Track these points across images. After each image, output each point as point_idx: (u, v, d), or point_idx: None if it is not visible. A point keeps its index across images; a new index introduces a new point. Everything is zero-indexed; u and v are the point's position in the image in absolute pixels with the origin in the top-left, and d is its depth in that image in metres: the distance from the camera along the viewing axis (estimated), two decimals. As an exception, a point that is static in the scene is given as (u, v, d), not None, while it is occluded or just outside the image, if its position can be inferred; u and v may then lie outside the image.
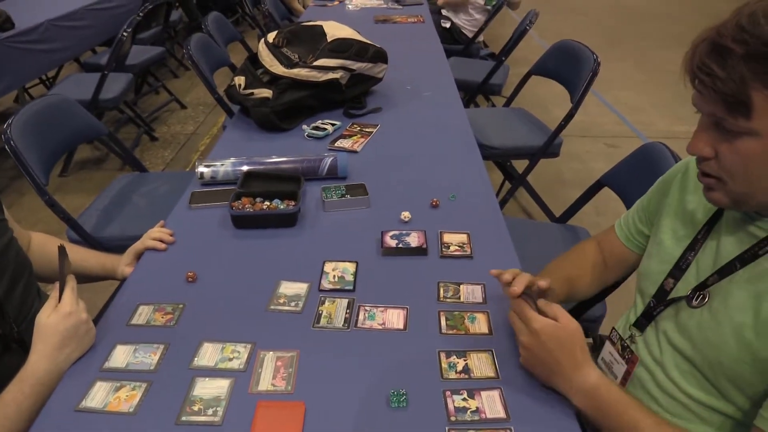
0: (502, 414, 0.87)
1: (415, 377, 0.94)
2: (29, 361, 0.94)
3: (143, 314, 1.09)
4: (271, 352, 0.99)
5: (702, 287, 0.91)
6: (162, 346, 1.01)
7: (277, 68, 1.90)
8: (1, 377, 1.00)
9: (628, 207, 1.61)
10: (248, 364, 0.97)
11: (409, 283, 1.17)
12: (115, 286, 1.36)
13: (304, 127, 1.87)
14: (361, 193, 1.46)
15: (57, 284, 0.99)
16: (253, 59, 2.03)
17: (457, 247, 1.27)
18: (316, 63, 1.89)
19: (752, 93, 0.74)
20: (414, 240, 1.28)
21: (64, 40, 3.51)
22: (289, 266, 1.22)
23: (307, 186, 1.49)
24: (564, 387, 0.90)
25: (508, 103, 3.04)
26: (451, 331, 1.04)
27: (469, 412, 0.88)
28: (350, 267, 1.21)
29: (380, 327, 1.05)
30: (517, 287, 0.95)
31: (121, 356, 0.98)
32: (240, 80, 1.96)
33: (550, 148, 2.49)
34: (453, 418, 0.87)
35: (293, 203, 1.38)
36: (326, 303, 1.11)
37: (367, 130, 1.87)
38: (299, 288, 1.15)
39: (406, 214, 1.37)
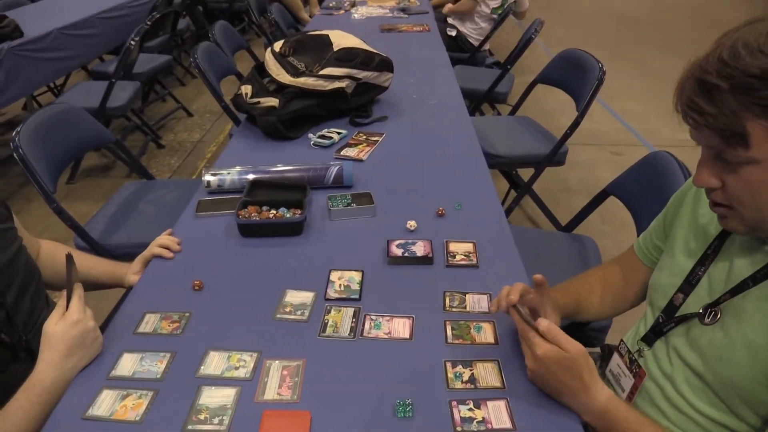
0: (508, 424, 0.87)
1: (421, 387, 0.94)
2: (36, 370, 0.94)
3: (150, 322, 1.09)
4: (277, 361, 0.99)
5: (714, 305, 0.91)
6: (168, 355, 1.01)
7: (284, 77, 1.91)
8: (9, 385, 1.00)
9: (634, 216, 1.62)
10: (254, 373, 0.97)
11: (415, 292, 1.17)
12: (122, 293, 1.36)
13: (310, 135, 1.88)
14: (367, 202, 1.46)
15: (64, 292, 0.99)
16: (260, 68, 2.04)
17: (462, 257, 1.27)
18: (322, 72, 1.90)
19: (746, 123, 0.74)
20: (420, 249, 1.29)
21: (73, 49, 3.54)
22: (295, 275, 1.22)
23: (313, 195, 1.50)
24: (572, 406, 0.90)
25: (513, 112, 3.05)
26: (457, 341, 1.04)
27: (475, 422, 0.87)
28: (356, 276, 1.21)
29: (386, 336, 1.05)
30: (514, 295, 0.96)
31: (127, 364, 0.99)
32: (246, 89, 1.97)
33: (555, 156, 2.49)
34: (459, 429, 0.86)
35: (299, 212, 1.39)
36: (332, 312, 1.11)
37: (372, 138, 1.87)
38: (305, 297, 1.15)
39: (411, 223, 1.37)
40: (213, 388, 0.94)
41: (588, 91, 2.31)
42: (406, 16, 3.91)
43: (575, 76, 2.48)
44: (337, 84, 1.93)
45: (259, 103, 1.90)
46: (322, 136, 1.86)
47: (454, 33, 4.23)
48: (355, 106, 2.04)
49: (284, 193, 1.48)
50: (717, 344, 0.88)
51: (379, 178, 1.62)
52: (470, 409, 0.90)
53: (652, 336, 1.02)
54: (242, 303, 1.15)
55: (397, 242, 1.31)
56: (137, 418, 0.89)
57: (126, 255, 1.85)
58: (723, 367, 0.87)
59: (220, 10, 6.51)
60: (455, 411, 0.89)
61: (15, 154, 1.65)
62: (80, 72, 4.79)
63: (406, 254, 1.27)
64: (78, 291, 1.00)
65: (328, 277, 1.21)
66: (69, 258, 1.01)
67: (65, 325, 0.95)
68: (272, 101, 1.88)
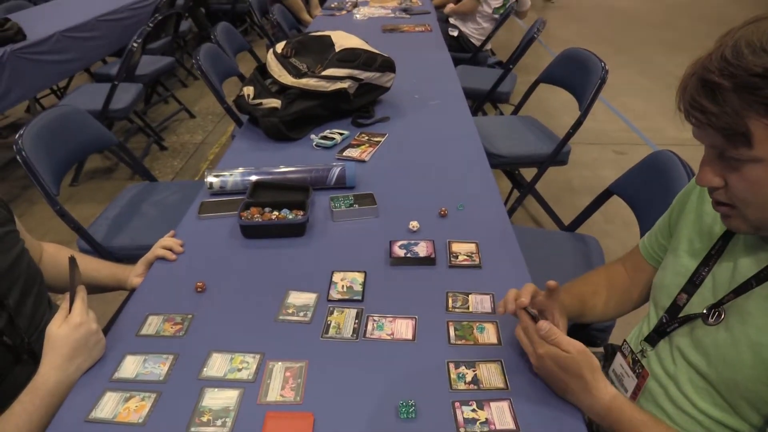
0: (511, 425, 0.87)
1: (424, 388, 0.94)
2: (39, 372, 0.94)
3: (153, 324, 1.09)
4: (279, 363, 0.99)
5: (718, 305, 0.90)
6: (171, 357, 1.01)
7: (286, 78, 1.91)
8: (12, 388, 1.01)
9: (637, 215, 1.61)
10: (257, 375, 0.97)
11: (418, 293, 1.17)
12: (125, 296, 1.37)
13: (313, 136, 1.88)
14: (370, 202, 1.46)
15: (67, 295, 1.00)
16: (262, 69, 2.05)
17: (465, 257, 1.27)
18: (324, 73, 1.90)
19: (749, 123, 0.73)
20: (422, 250, 1.28)
21: (75, 51, 3.55)
22: (298, 276, 1.22)
23: (316, 196, 1.50)
24: (578, 404, 0.90)
25: (516, 111, 3.04)
26: (459, 342, 1.04)
27: (478, 423, 0.87)
28: (359, 277, 1.21)
29: (389, 337, 1.05)
30: (525, 297, 0.96)
31: (130, 367, 0.99)
32: (249, 90, 1.97)
33: (558, 155, 2.49)
34: (462, 430, 0.86)
35: (302, 213, 1.39)
36: (335, 313, 1.11)
37: (375, 139, 1.87)
38: (308, 298, 1.15)
39: (414, 224, 1.37)
40: (216, 389, 0.94)
41: (591, 90, 2.30)
42: (408, 16, 3.91)
43: (578, 75, 2.47)
44: (339, 85, 1.93)
45: (261, 104, 1.90)
46: (325, 137, 1.86)
47: (456, 33, 4.22)
48: (358, 107, 2.04)
49: (287, 195, 1.48)
50: (721, 345, 0.88)
51: (382, 179, 1.62)
52: (473, 410, 0.89)
53: (655, 336, 1.02)
54: (245, 304, 1.15)
55: (400, 243, 1.31)
56: (140, 421, 0.89)
57: (129, 257, 1.86)
58: (727, 367, 0.87)
59: (222, 12, 6.52)
60: (458, 412, 0.89)
61: (18, 157, 1.65)
62: (83, 74, 4.80)
63: (408, 255, 1.27)
64: (81, 294, 1.00)
65: (331, 278, 1.21)
66: (72, 261, 1.01)
67: (68, 328, 0.95)
68: (274, 102, 1.88)
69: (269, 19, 4.29)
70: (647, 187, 1.57)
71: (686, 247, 1.01)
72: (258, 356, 1.01)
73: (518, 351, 1.01)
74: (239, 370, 0.98)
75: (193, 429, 0.87)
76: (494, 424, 0.87)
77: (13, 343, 1.04)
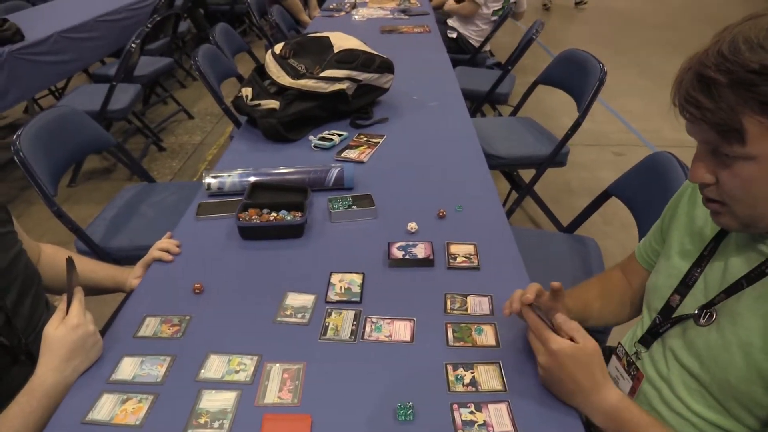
0: (509, 428, 0.87)
1: (422, 390, 0.94)
2: (36, 374, 0.94)
3: (150, 326, 1.09)
4: (277, 365, 0.99)
5: (709, 306, 0.90)
6: (169, 358, 1.01)
7: (284, 79, 1.90)
8: (9, 389, 1.00)
9: (636, 217, 1.61)
10: (255, 377, 0.96)
11: (416, 294, 1.17)
12: (123, 296, 1.36)
13: (311, 137, 1.88)
14: (368, 204, 1.46)
15: (64, 296, 0.99)
16: (260, 70, 2.04)
17: (464, 258, 1.27)
18: (322, 74, 1.90)
19: (743, 119, 0.73)
20: (421, 251, 1.28)
21: (74, 52, 3.55)
22: (296, 278, 1.22)
23: (314, 197, 1.49)
24: (583, 407, 0.89)
25: (514, 113, 3.05)
26: (458, 344, 1.04)
27: (476, 425, 0.87)
28: (357, 278, 1.21)
29: (387, 339, 1.05)
30: (530, 294, 0.95)
31: (127, 368, 0.98)
32: (247, 91, 1.97)
33: (557, 157, 2.49)
34: (460, 432, 0.86)
35: (300, 214, 1.38)
36: (333, 315, 1.11)
37: (373, 140, 1.87)
38: (306, 300, 1.15)
39: (412, 225, 1.36)
40: (213, 391, 0.94)
41: (589, 92, 2.31)
42: (407, 17, 3.91)
43: (576, 76, 2.47)
44: (338, 86, 1.93)
45: (259, 105, 1.90)
46: (323, 138, 1.85)
47: (454, 35, 4.22)
48: (356, 108, 2.04)
49: (285, 196, 1.47)
50: (712, 346, 0.88)
51: (380, 180, 1.61)
52: (471, 413, 0.89)
53: (649, 337, 1.02)
54: (243, 306, 1.14)
55: (398, 244, 1.30)
56: (137, 422, 0.88)
57: (127, 258, 1.86)
58: (719, 368, 0.87)
59: (220, 12, 6.52)
60: (456, 414, 0.89)
61: (16, 158, 1.65)
62: (81, 75, 4.79)
63: (406, 256, 1.27)
64: (78, 295, 0.99)
65: (329, 279, 1.21)
66: (69, 262, 1.01)
67: (65, 329, 0.95)
68: (273, 103, 1.87)
69: (268, 20, 4.29)
70: (646, 189, 1.57)
71: (678, 249, 1.01)
72: (256, 358, 1.00)
73: (517, 353, 1.01)
74: (237, 371, 0.98)
75: (190, 431, 0.87)
76: (492, 426, 0.87)
77: (10, 343, 1.03)
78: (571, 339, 0.89)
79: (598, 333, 1.48)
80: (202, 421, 0.88)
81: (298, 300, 1.15)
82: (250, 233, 1.36)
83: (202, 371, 0.98)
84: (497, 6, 4.11)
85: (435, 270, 1.24)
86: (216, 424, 0.88)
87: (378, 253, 1.29)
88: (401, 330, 1.07)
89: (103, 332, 1.06)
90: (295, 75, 1.90)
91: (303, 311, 1.12)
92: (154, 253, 1.29)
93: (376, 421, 0.88)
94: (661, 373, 0.98)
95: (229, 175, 1.56)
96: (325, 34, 2.08)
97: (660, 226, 1.11)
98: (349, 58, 1.95)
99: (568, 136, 2.43)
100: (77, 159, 2.15)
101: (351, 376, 0.97)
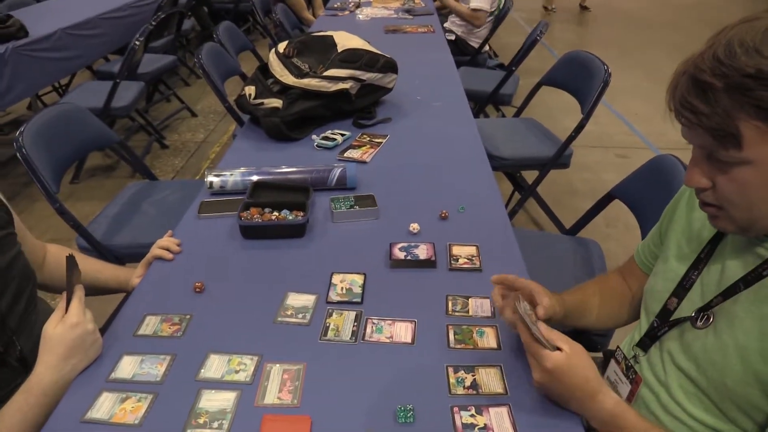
0: (510, 431, 0.86)
1: (423, 392, 0.93)
2: (35, 372, 0.93)
3: (150, 325, 1.08)
4: (277, 365, 0.98)
5: (706, 308, 0.90)
6: (168, 357, 1.00)
7: (288, 78, 1.90)
8: None
9: (639, 219, 1.61)
10: (254, 377, 0.96)
11: (418, 296, 1.16)
12: (123, 294, 1.36)
13: (314, 137, 1.87)
14: (370, 204, 1.46)
15: (64, 294, 0.99)
16: (264, 69, 2.04)
17: (466, 260, 1.26)
18: (326, 73, 1.90)
19: (739, 124, 0.73)
20: (422, 252, 1.28)
21: (77, 49, 3.55)
22: (297, 277, 1.22)
23: (316, 196, 1.49)
24: (581, 412, 0.89)
25: (518, 114, 3.04)
26: (459, 346, 1.03)
27: (477, 429, 0.86)
28: (358, 279, 1.20)
29: (388, 340, 1.04)
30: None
31: (127, 367, 0.98)
32: (250, 90, 1.96)
33: (560, 158, 2.48)
34: (461, 435, 0.85)
35: (302, 214, 1.38)
36: (334, 315, 1.10)
37: (376, 140, 1.87)
38: (307, 300, 1.15)
39: (414, 226, 1.36)
40: (213, 391, 0.93)
41: (593, 93, 2.30)
42: (411, 17, 3.90)
43: (580, 77, 2.46)
44: (341, 85, 1.92)
45: (262, 104, 1.89)
46: (326, 138, 1.85)
47: (453, 37, 4.20)
48: (359, 108, 2.03)
49: (287, 195, 1.47)
50: (710, 349, 0.87)
51: (383, 180, 1.61)
52: (472, 416, 0.89)
53: (647, 341, 1.01)
54: (243, 305, 1.14)
55: (400, 245, 1.30)
56: (136, 422, 0.88)
57: (128, 255, 1.86)
58: (716, 371, 0.86)
59: (225, 11, 6.52)
60: (457, 417, 0.88)
61: (18, 154, 1.65)
62: (85, 72, 4.80)
63: (408, 257, 1.26)
64: (78, 293, 0.99)
65: (330, 280, 1.20)
66: (70, 260, 1.01)
67: (64, 328, 0.95)
68: (276, 102, 1.87)
69: (272, 18, 4.29)
70: (649, 192, 1.57)
71: (675, 252, 1.01)
72: (256, 358, 1.00)
73: (518, 356, 1.00)
74: (237, 371, 0.97)
75: (189, 431, 0.86)
76: (493, 430, 0.86)
77: (2, 346, 1.03)
78: (557, 347, 0.87)
79: (599, 337, 1.48)
80: (201, 421, 0.88)
81: (299, 300, 1.15)
82: (251, 232, 1.35)
83: (202, 371, 0.97)
84: (493, 8, 4.08)
85: (437, 271, 1.24)
86: (215, 425, 0.87)
87: (380, 254, 1.29)
88: (402, 331, 1.06)
89: (103, 330, 1.05)
90: (299, 74, 1.90)
91: (304, 311, 1.11)
92: (154, 251, 1.29)
93: (376, 423, 0.88)
94: (658, 376, 0.98)
95: (232, 174, 1.55)
96: (329, 33, 2.08)
97: (659, 229, 1.11)
98: (352, 58, 1.95)
99: (571, 138, 2.42)
100: (80, 156, 2.15)
101: (351, 378, 0.97)
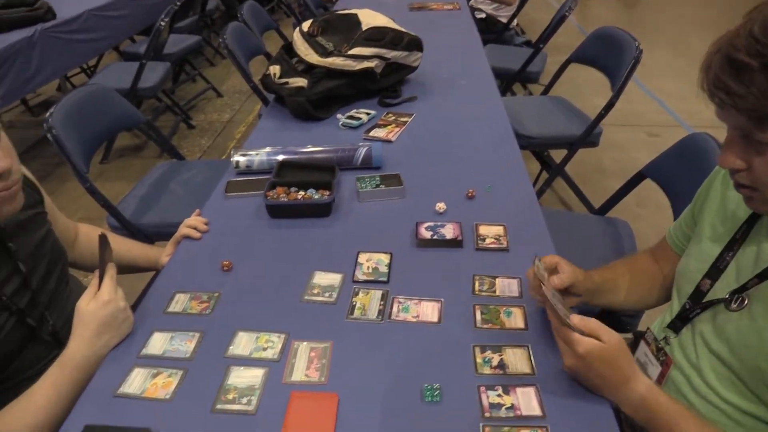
0: (537, 411, 0.86)
1: (449, 371, 0.93)
2: (69, 347, 0.96)
3: (180, 302, 1.10)
4: (305, 343, 0.99)
5: (741, 290, 0.88)
6: (198, 334, 1.02)
7: (312, 57, 1.89)
8: (24, 364, 1.04)
9: (671, 200, 1.57)
10: (282, 354, 0.97)
11: (444, 275, 1.16)
12: (154, 272, 1.38)
13: (339, 116, 1.86)
14: (396, 183, 1.45)
15: (97, 272, 1.01)
16: (288, 48, 2.03)
17: (493, 240, 1.25)
18: (350, 52, 1.88)
19: None
20: (449, 232, 1.27)
21: (104, 30, 3.57)
22: (324, 256, 1.22)
23: (342, 176, 1.49)
24: (612, 398, 0.87)
25: (546, 92, 2.99)
26: (486, 326, 1.03)
27: (503, 408, 0.86)
28: (384, 258, 1.20)
29: (414, 320, 1.04)
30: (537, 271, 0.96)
31: (158, 343, 1.00)
32: (275, 69, 1.96)
33: (589, 137, 2.43)
34: (487, 414, 0.85)
35: (328, 193, 1.38)
36: (360, 294, 1.11)
37: (402, 119, 1.85)
38: (333, 279, 1.15)
39: (441, 206, 1.35)
40: (241, 368, 0.95)
41: (624, 71, 2.24)
42: (436, -6, 3.83)
43: (611, 54, 2.40)
44: (366, 64, 1.91)
45: (287, 83, 1.89)
46: (351, 117, 1.84)
47: (483, 15, 4.12)
48: (384, 87, 2.01)
49: (313, 174, 1.47)
50: (743, 331, 0.86)
51: (408, 160, 1.60)
52: (499, 395, 0.88)
53: (678, 323, 0.99)
54: (270, 284, 1.15)
55: (426, 225, 1.29)
56: (167, 396, 0.90)
57: (157, 234, 1.89)
58: (749, 354, 0.85)
59: (249, -10, 6.48)
60: (483, 397, 0.88)
61: (49, 135, 1.67)
62: (112, 53, 4.84)
63: (435, 237, 1.26)
64: (110, 271, 1.01)
65: (356, 259, 1.20)
66: (102, 239, 1.02)
67: (97, 305, 0.96)
68: (301, 81, 1.86)
69: (296, -3, 4.26)
70: (682, 171, 1.53)
71: (709, 233, 0.98)
72: (283, 336, 1.01)
73: (546, 336, 0.99)
74: (264, 349, 0.98)
75: (218, 406, 0.88)
76: (520, 410, 0.86)
77: (35, 322, 1.05)
78: (595, 337, 0.85)
79: (628, 317, 1.46)
80: (230, 396, 0.89)
81: (326, 279, 1.15)
82: (277, 212, 1.36)
83: (231, 348, 0.99)
84: None
85: (463, 251, 1.23)
86: (244, 401, 0.89)
87: (406, 233, 1.28)
88: (429, 311, 1.06)
89: (134, 307, 1.07)
90: (323, 53, 1.89)
91: (330, 290, 1.12)
92: (182, 230, 1.30)
93: (403, 402, 0.88)
94: (690, 359, 0.96)
95: (258, 154, 1.56)
96: (353, 11, 2.06)
97: (692, 209, 1.08)
98: (377, 36, 1.93)
99: (601, 116, 2.37)
100: (109, 136, 2.18)
101: (378, 356, 0.97)
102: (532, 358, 0.95)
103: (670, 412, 0.84)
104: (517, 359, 0.95)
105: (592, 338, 0.85)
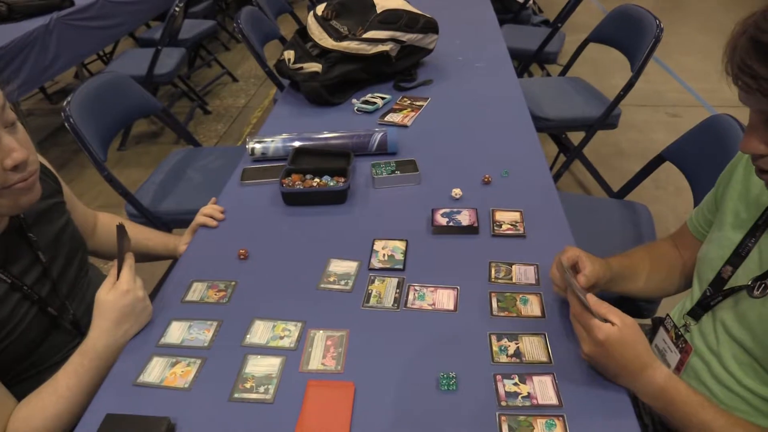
0: (554, 400, 0.85)
1: (465, 360, 0.93)
2: (89, 336, 0.97)
3: (197, 291, 1.11)
4: (321, 331, 1.00)
5: (764, 277, 0.86)
6: (215, 323, 1.02)
7: (327, 41, 1.87)
8: (49, 352, 1.06)
9: (691, 183, 1.55)
10: (299, 343, 0.97)
11: (460, 262, 1.15)
12: (171, 261, 1.39)
13: (354, 101, 1.85)
14: (412, 169, 1.44)
15: (115, 262, 1.02)
16: (303, 32, 2.02)
17: (509, 226, 1.24)
18: (365, 35, 1.86)
19: None
20: (465, 218, 1.26)
21: (119, 16, 3.58)
22: (339, 244, 1.22)
23: (357, 162, 1.48)
24: (630, 387, 0.87)
25: (564, 72, 2.94)
26: (502, 313, 1.02)
27: (520, 397, 0.86)
28: (400, 245, 1.20)
29: (430, 307, 1.04)
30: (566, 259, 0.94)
31: (176, 332, 1.01)
32: (289, 54, 1.95)
33: (608, 119, 2.40)
34: (504, 403, 0.85)
35: (343, 180, 1.37)
36: (376, 282, 1.10)
37: (417, 103, 1.83)
38: (349, 266, 1.15)
39: (456, 191, 1.34)
40: (258, 356, 0.95)
41: (644, 50, 2.19)
42: (452, -27, 3.77)
43: (630, 33, 2.35)
44: (381, 47, 1.89)
45: (302, 68, 1.88)
46: (366, 102, 1.83)
47: None
48: (400, 70, 2.00)
49: (328, 161, 1.47)
50: (766, 318, 0.84)
51: (424, 145, 1.59)
52: (515, 384, 0.88)
53: (699, 310, 0.98)
54: (287, 272, 1.15)
55: (442, 211, 1.28)
56: (186, 386, 0.91)
57: (174, 221, 1.90)
58: None
59: (263, -27, 6.44)
60: (500, 385, 0.88)
61: (66, 124, 1.68)
62: (127, 39, 4.85)
63: (450, 224, 1.25)
64: (129, 261, 1.02)
65: (372, 246, 1.20)
66: (120, 228, 1.03)
67: (116, 294, 0.97)
68: (315, 66, 1.85)
69: (310, -21, 4.22)
70: (703, 154, 1.50)
71: (732, 219, 0.96)
72: (300, 324, 1.01)
73: (563, 324, 0.99)
74: (281, 337, 0.99)
75: (236, 395, 0.89)
76: (537, 399, 0.86)
77: (56, 311, 1.07)
78: (608, 320, 0.85)
79: (646, 303, 1.44)
80: (248, 385, 0.90)
81: (341, 267, 1.15)
82: (293, 199, 1.36)
83: (248, 336, 0.99)
84: None
85: (479, 237, 1.22)
86: (261, 389, 0.89)
87: (421, 220, 1.27)
88: (444, 298, 1.06)
89: (152, 295, 1.08)
90: (338, 37, 1.87)
91: (346, 278, 1.12)
92: (199, 218, 1.31)
93: (419, 391, 0.88)
94: (710, 346, 0.95)
95: (273, 141, 1.55)
96: (367, -7, 2.03)
97: (714, 195, 1.06)
98: (392, 19, 1.90)
99: (620, 97, 2.33)
100: (125, 124, 2.19)
101: (394, 345, 0.97)
102: (549, 347, 0.95)
103: (689, 402, 0.83)
104: (533, 347, 0.95)
105: (609, 325, 0.84)
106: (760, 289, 0.87)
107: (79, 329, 1.11)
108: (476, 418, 0.84)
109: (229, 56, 5.14)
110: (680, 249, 1.15)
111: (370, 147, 1.53)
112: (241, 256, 1.19)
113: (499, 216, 1.27)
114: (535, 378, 0.89)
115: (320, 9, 2.01)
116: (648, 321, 1.23)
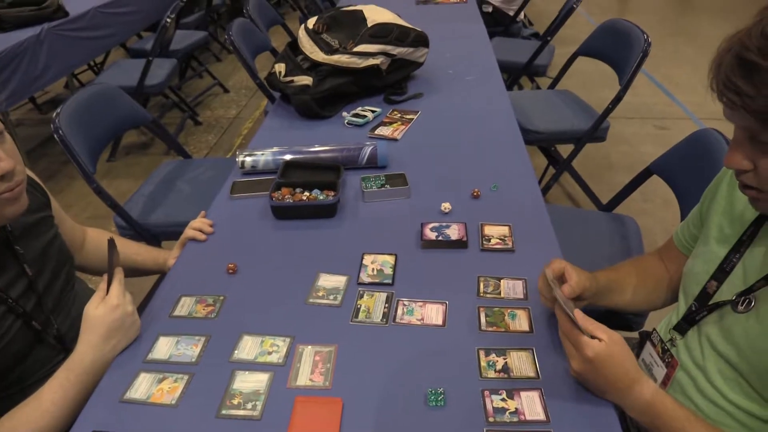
0: (542, 416, 0.85)
1: (454, 375, 0.93)
2: (77, 351, 0.96)
3: (185, 306, 1.10)
4: (309, 347, 0.99)
5: (748, 292, 0.87)
6: (203, 339, 1.02)
7: (318, 55, 1.88)
8: (33, 368, 1.04)
9: (678, 197, 1.56)
10: (287, 359, 0.97)
11: (449, 277, 1.15)
12: (159, 276, 1.39)
13: (344, 114, 1.86)
14: (401, 183, 1.44)
15: (105, 276, 1.01)
16: (293, 45, 2.03)
17: (498, 240, 1.24)
18: (356, 49, 1.87)
19: None
20: (454, 233, 1.26)
21: (111, 27, 3.58)
22: (329, 258, 1.22)
23: (347, 175, 1.48)
24: (619, 402, 0.87)
25: (553, 85, 2.96)
26: (490, 328, 1.02)
27: (507, 413, 0.86)
28: (389, 260, 1.20)
29: (419, 322, 1.04)
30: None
31: (163, 348, 1.00)
32: (280, 67, 1.96)
33: (596, 131, 2.42)
34: (491, 419, 0.85)
35: (333, 194, 1.38)
36: (365, 297, 1.11)
37: (407, 116, 1.84)
38: (338, 281, 1.15)
39: (446, 206, 1.35)
40: (246, 372, 0.95)
41: (632, 64, 2.22)
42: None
43: (619, 47, 2.38)
44: (372, 61, 1.90)
45: (292, 81, 1.88)
46: (356, 115, 1.84)
47: (490, 9, 4.09)
48: (390, 83, 2.01)
49: (318, 174, 1.47)
50: (751, 333, 0.85)
51: (414, 158, 1.59)
52: (503, 399, 0.88)
53: (684, 324, 0.99)
54: (275, 287, 1.15)
55: (431, 225, 1.29)
56: (173, 402, 0.90)
57: (164, 233, 1.90)
58: (757, 356, 0.84)
59: (255, -16, 6.46)
60: (488, 401, 0.88)
61: (56, 136, 1.68)
62: (118, 49, 4.85)
63: (440, 238, 1.25)
64: (118, 276, 1.01)
65: (361, 260, 1.20)
66: (111, 243, 1.03)
67: (105, 309, 0.97)
68: (306, 80, 1.86)
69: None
70: (690, 169, 1.51)
71: (716, 234, 0.97)
72: (288, 339, 1.01)
73: (551, 339, 0.99)
74: (269, 353, 0.98)
75: (224, 412, 0.88)
76: (524, 414, 0.86)
77: (40, 325, 1.06)
78: (594, 337, 0.85)
79: (634, 316, 1.45)
80: (235, 402, 0.90)
81: (331, 281, 1.15)
82: (282, 213, 1.36)
83: (236, 352, 0.99)
84: None
85: (468, 252, 1.22)
86: (249, 405, 0.89)
87: (411, 234, 1.28)
88: (433, 313, 1.06)
89: (140, 309, 1.08)
90: (329, 50, 1.88)
91: (335, 293, 1.12)
92: (188, 232, 1.31)
93: (407, 407, 0.88)
94: (696, 361, 0.95)
95: (263, 154, 1.56)
96: (358, 7, 2.05)
97: (699, 210, 1.07)
98: (382, 32, 1.92)
99: (608, 111, 2.35)
100: (115, 135, 2.19)
101: (382, 360, 0.97)
102: (537, 362, 0.95)
103: (676, 416, 0.83)
104: (521, 362, 0.95)
105: (598, 341, 0.84)
106: (744, 305, 0.87)
107: (64, 344, 1.10)
108: (464, 434, 0.84)
109: (221, 67, 5.14)
110: (666, 263, 1.16)
111: (360, 160, 1.54)
112: (230, 271, 1.18)
113: (488, 230, 1.28)
114: (523, 393, 0.89)
115: (311, 22, 2.02)
116: (635, 334, 1.24)
